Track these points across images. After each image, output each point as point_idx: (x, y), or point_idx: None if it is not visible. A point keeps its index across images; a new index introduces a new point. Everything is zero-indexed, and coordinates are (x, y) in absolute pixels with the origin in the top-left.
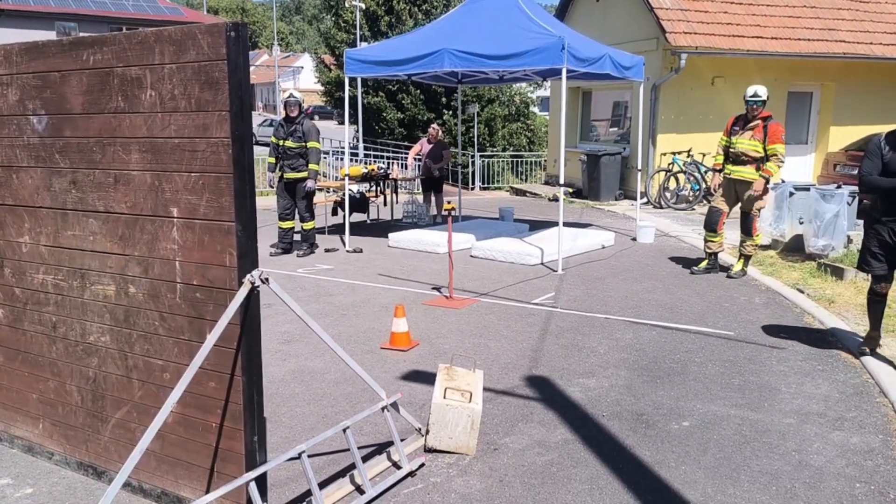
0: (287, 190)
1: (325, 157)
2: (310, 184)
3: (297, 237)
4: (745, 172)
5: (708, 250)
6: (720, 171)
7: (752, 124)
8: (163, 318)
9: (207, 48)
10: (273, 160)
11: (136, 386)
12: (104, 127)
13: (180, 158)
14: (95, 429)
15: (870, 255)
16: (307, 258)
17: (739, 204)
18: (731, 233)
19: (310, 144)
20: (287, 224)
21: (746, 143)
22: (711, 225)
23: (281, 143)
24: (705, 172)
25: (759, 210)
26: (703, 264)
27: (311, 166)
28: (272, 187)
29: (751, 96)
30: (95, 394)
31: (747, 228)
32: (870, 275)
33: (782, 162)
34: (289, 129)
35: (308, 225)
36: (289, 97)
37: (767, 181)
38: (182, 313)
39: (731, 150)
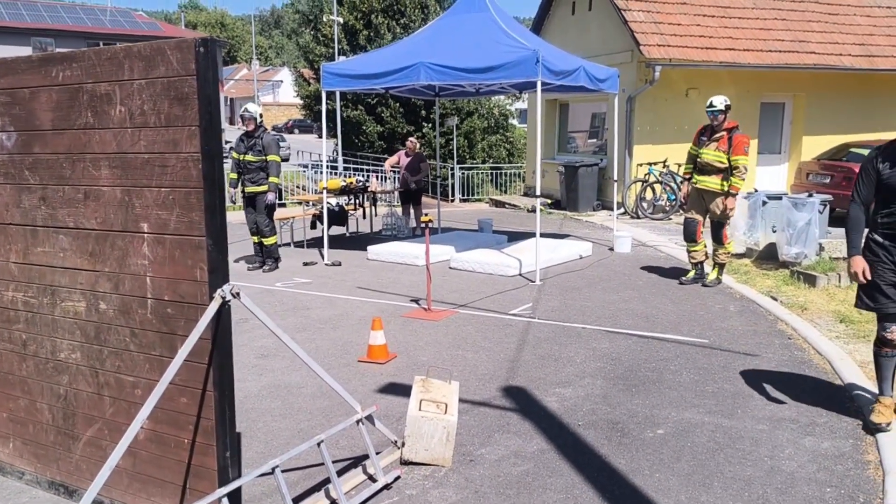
0: (249, 204)
1: (303, 171)
2: (270, 197)
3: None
4: (711, 183)
5: (693, 260)
6: (688, 179)
7: (717, 135)
8: (134, 333)
9: (177, 64)
10: (235, 176)
11: (108, 403)
12: (74, 143)
13: (150, 174)
14: (66, 447)
15: (876, 291)
16: (276, 272)
17: (708, 213)
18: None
19: (269, 158)
20: (258, 238)
21: (711, 154)
22: (690, 235)
23: (241, 157)
24: (681, 182)
25: (728, 218)
26: (691, 274)
27: (270, 179)
28: (234, 202)
29: (707, 107)
30: (66, 411)
31: (718, 237)
32: (874, 312)
33: (745, 173)
34: (248, 144)
35: (269, 240)
36: (243, 112)
37: (735, 196)
38: (153, 329)
39: (698, 160)
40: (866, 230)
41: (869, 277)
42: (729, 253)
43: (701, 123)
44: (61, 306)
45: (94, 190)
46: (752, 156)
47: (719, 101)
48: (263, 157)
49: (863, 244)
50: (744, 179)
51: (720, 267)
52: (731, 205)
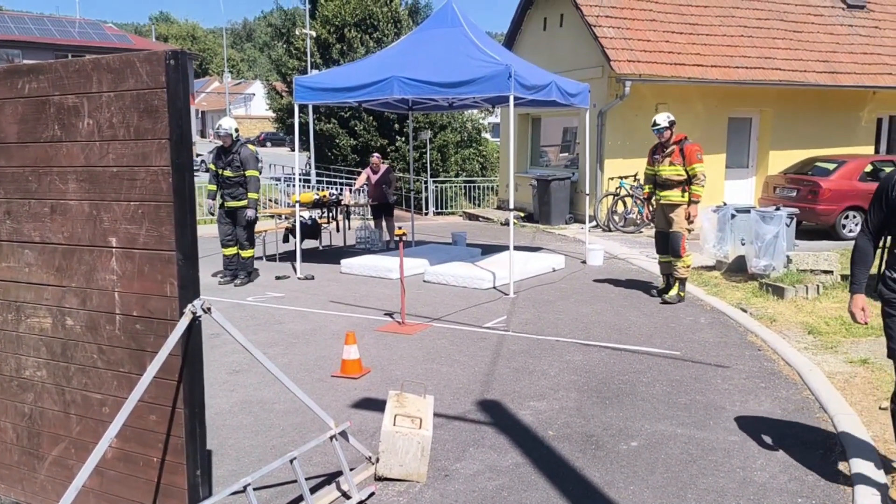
0: (228, 216)
1: (276, 184)
2: (249, 213)
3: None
4: (672, 196)
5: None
6: (649, 199)
7: (668, 150)
8: (101, 350)
9: (146, 76)
10: (213, 187)
11: (74, 421)
12: (40, 156)
13: (119, 187)
14: (31, 467)
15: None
16: (249, 286)
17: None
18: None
19: (248, 173)
20: (230, 251)
21: (668, 169)
22: (675, 251)
23: (220, 172)
24: (643, 203)
25: (688, 231)
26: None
27: (250, 195)
28: (213, 215)
29: (652, 126)
30: (31, 430)
31: (675, 249)
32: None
33: (704, 180)
34: (226, 160)
35: (246, 253)
36: (217, 129)
37: (697, 203)
38: (121, 345)
39: (657, 177)
40: (882, 266)
41: (868, 320)
42: (688, 266)
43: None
44: (26, 322)
45: (61, 204)
46: (721, 170)
47: (662, 119)
48: (241, 173)
49: (879, 280)
50: (703, 186)
51: (681, 282)
52: (695, 212)
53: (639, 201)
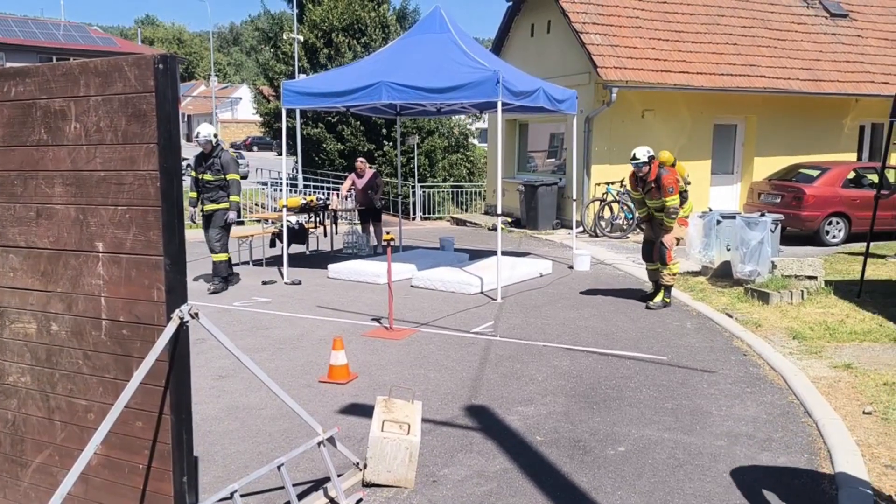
0: (207, 222)
1: (263, 188)
2: (232, 215)
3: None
4: (661, 215)
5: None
6: (648, 220)
7: (648, 185)
8: (87, 356)
9: (135, 80)
10: (194, 195)
11: (59, 428)
12: (26, 160)
13: (106, 192)
14: (14, 474)
15: None
16: (234, 290)
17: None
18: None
19: (229, 176)
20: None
21: (654, 202)
22: (662, 259)
23: (200, 176)
24: (639, 224)
25: (675, 239)
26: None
27: (232, 198)
28: (194, 222)
29: (631, 159)
30: (14, 437)
31: (662, 257)
32: None
33: (674, 213)
34: (207, 164)
35: (218, 257)
36: (196, 136)
37: (670, 231)
38: (107, 351)
39: (648, 204)
40: None
41: None
42: (673, 274)
43: (656, 144)
44: (10, 328)
45: (46, 208)
46: (706, 176)
47: (642, 154)
48: (222, 176)
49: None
50: (673, 218)
51: (666, 289)
52: (668, 242)
53: (626, 207)
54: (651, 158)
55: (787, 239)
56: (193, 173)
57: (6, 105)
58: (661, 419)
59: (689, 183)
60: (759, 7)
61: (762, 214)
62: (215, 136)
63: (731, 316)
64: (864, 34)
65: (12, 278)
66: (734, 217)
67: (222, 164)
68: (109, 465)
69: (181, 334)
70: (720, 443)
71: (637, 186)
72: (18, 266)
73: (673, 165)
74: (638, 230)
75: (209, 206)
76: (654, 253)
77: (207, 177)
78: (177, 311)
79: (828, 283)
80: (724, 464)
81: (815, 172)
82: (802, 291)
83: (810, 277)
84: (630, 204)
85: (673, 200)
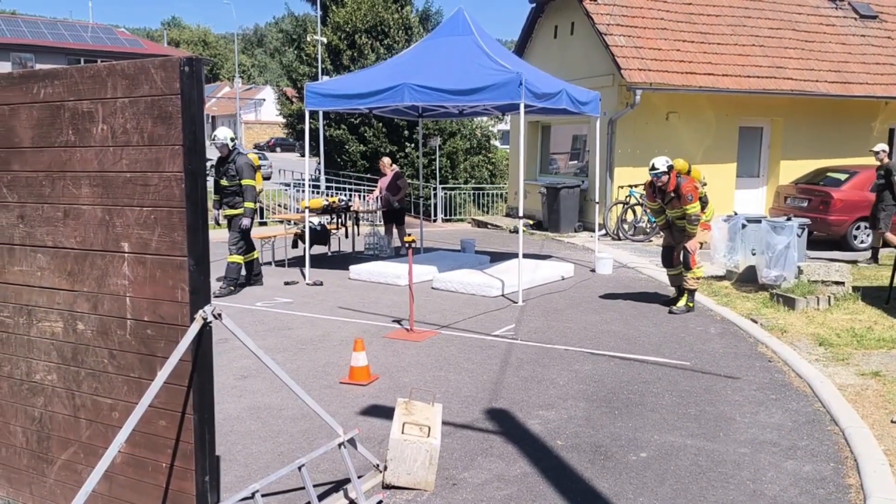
0: (228, 224)
1: (286, 190)
2: (245, 221)
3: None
4: (682, 222)
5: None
6: (666, 228)
7: (668, 196)
8: (112, 355)
9: (161, 83)
10: (217, 197)
11: (84, 426)
12: (54, 161)
13: (132, 193)
14: (41, 471)
15: None
16: (258, 290)
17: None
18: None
19: (244, 182)
20: (247, 257)
21: (675, 212)
22: (686, 263)
23: (219, 180)
24: (657, 230)
25: (699, 244)
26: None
27: (245, 204)
28: (218, 224)
29: (651, 170)
30: (41, 434)
31: (686, 261)
32: None
33: (696, 220)
34: (223, 169)
35: (232, 258)
36: (213, 139)
37: (693, 237)
38: (132, 350)
39: (668, 214)
40: None
41: None
42: (697, 278)
43: (680, 147)
44: (38, 326)
45: (74, 208)
46: (731, 179)
47: (661, 164)
48: (237, 182)
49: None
50: (696, 224)
51: (690, 293)
52: (692, 246)
53: (649, 211)
54: (670, 168)
55: (814, 244)
56: (214, 177)
57: (35, 107)
58: (684, 425)
59: (705, 184)
60: (786, 8)
61: (789, 218)
62: (232, 139)
63: (755, 321)
64: (895, 35)
65: (40, 277)
66: (760, 221)
67: (237, 168)
68: (133, 464)
69: (204, 334)
70: (744, 450)
71: (655, 197)
72: (46, 265)
73: (688, 173)
74: (660, 233)
75: (228, 212)
76: (674, 258)
77: (224, 182)
78: (200, 311)
79: (855, 289)
80: (748, 471)
81: (843, 176)
82: (829, 297)
83: (837, 283)
84: None
85: (694, 208)
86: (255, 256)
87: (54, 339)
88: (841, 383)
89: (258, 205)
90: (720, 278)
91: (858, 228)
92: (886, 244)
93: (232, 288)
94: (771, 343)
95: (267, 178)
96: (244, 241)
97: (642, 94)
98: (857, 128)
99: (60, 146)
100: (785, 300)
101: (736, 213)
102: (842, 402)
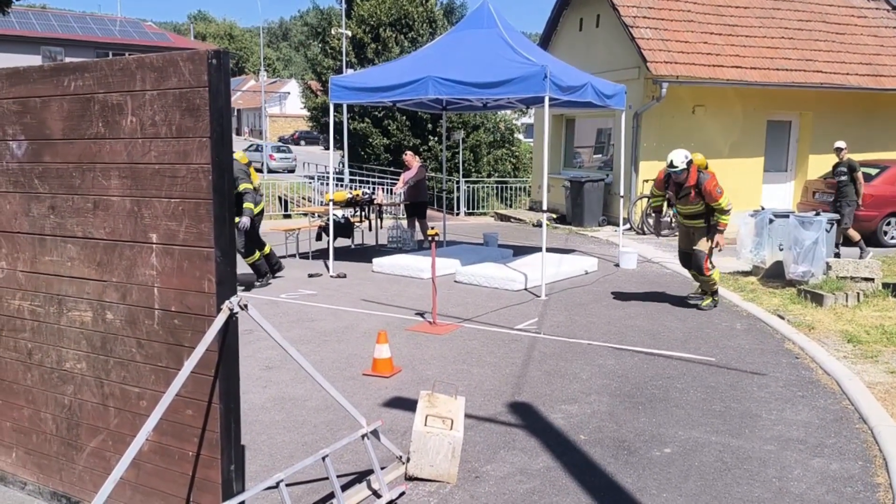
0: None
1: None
2: (244, 220)
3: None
4: (697, 223)
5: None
6: (657, 212)
7: (684, 191)
8: (140, 344)
9: (189, 75)
10: None
11: (112, 414)
12: (84, 152)
13: (160, 184)
14: (70, 458)
15: None
16: (281, 283)
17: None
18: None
19: (241, 188)
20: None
21: (689, 208)
22: (698, 268)
23: None
24: (652, 211)
25: (716, 247)
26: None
27: (245, 206)
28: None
29: (669, 166)
30: (70, 422)
31: (698, 267)
32: None
33: (728, 212)
34: None
35: (250, 259)
36: None
37: (722, 232)
38: (160, 340)
39: (678, 210)
40: None
41: None
42: (714, 282)
43: (707, 140)
44: (68, 316)
45: (103, 200)
46: (759, 174)
47: (680, 160)
48: (235, 188)
49: None
50: (729, 214)
51: (713, 292)
52: (720, 241)
53: (651, 194)
54: (689, 163)
55: (843, 239)
56: None
57: (66, 99)
58: (709, 421)
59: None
60: (816, 0)
61: (817, 214)
62: None
63: (782, 317)
64: None
65: (70, 267)
66: (787, 216)
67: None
68: (160, 452)
69: (231, 325)
70: (770, 447)
71: (668, 188)
72: (76, 255)
73: (706, 168)
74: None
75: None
76: (693, 264)
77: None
78: (227, 302)
79: (885, 285)
80: (774, 469)
81: (873, 171)
82: (858, 294)
83: (867, 279)
84: None
85: (723, 201)
86: (267, 252)
87: (84, 329)
88: (870, 381)
89: (264, 200)
90: (746, 273)
91: (889, 224)
92: (847, 241)
93: (267, 282)
94: (798, 339)
95: (291, 170)
96: (248, 242)
97: (668, 87)
98: (888, 122)
99: (90, 138)
100: (813, 296)
101: (763, 208)
102: (871, 399)
